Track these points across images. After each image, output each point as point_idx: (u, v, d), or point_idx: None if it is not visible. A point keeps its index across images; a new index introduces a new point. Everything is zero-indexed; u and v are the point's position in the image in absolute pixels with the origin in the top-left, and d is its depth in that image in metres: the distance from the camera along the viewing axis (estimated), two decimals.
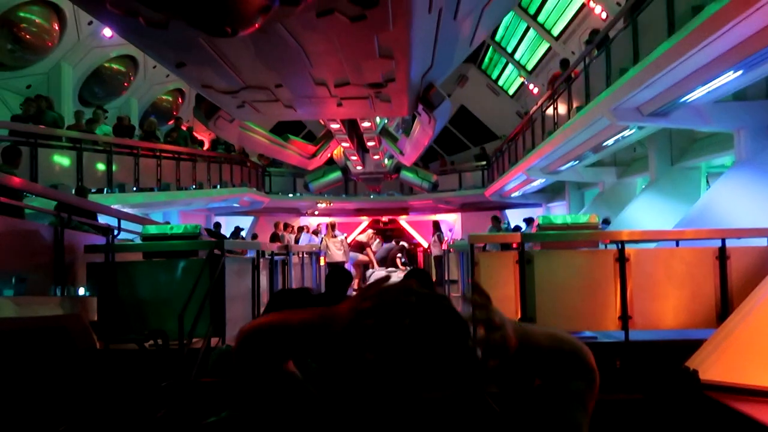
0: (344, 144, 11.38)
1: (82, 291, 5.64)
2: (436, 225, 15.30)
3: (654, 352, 5.31)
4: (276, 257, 7.90)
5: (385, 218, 24.65)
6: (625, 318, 5.33)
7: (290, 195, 20.09)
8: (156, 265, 5.80)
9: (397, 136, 10.89)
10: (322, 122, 10.01)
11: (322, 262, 11.46)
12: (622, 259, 5.35)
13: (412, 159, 10.66)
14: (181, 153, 11.99)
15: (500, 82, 19.78)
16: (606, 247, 5.60)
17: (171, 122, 13.66)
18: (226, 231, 20.09)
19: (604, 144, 9.99)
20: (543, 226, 5.67)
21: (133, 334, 5.41)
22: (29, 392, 4.82)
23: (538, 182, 15.39)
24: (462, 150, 22.05)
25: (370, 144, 11.44)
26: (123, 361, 5.34)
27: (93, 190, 8.66)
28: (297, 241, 12.38)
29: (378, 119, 9.58)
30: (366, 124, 9.49)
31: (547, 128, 11.93)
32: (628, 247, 5.39)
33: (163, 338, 5.30)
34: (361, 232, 19.65)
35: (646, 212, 10.39)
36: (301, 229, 13.44)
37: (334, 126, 9.45)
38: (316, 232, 12.75)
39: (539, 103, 12.47)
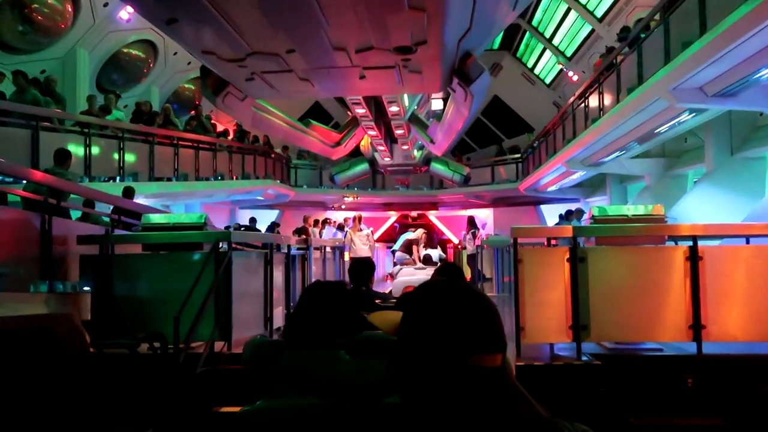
0: (371, 132, 10.67)
1: (74, 287, 5.04)
2: (471, 221, 14.48)
3: (732, 368, 4.47)
4: (295, 252, 7.24)
5: (413, 213, 23.92)
6: (697, 327, 4.49)
7: (316, 188, 19.48)
8: (157, 259, 5.17)
9: (427, 123, 10.14)
10: (348, 106, 9.30)
11: (346, 258, 10.79)
12: (694, 257, 4.51)
13: (443, 147, 9.88)
14: (200, 142, 11.44)
15: (536, 71, 18.79)
16: (676, 243, 4.75)
17: (193, 112, 13.11)
18: (261, 226, 19.65)
19: (657, 131, 9.05)
20: (599, 218, 4.85)
21: (131, 335, 4.80)
22: (8, 402, 4.24)
23: (577, 175, 14.45)
24: (496, 142, 21.12)
25: (398, 132, 10.70)
26: (117, 367, 4.73)
27: (104, 179, 8.14)
28: (320, 235, 11.73)
29: (407, 102, 8.83)
30: (394, 108, 8.75)
31: (591, 116, 11.02)
32: (701, 244, 4.55)
33: (161, 342, 4.66)
34: (390, 227, 19.01)
35: (703, 207, 9.41)
36: (325, 222, 12.78)
37: (360, 111, 8.74)
38: (341, 227, 12.09)
39: (584, 85, 11.55)
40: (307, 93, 5.23)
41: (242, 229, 11.30)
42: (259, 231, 12.35)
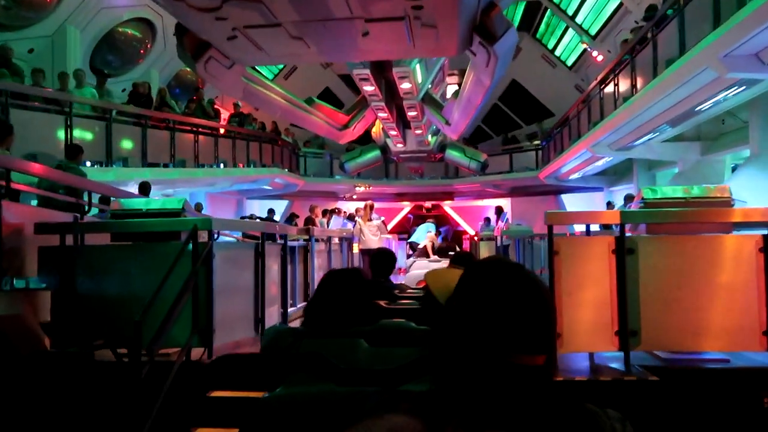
0: (381, 114, 9.87)
1: (27, 284, 4.34)
2: (500, 211, 13.67)
3: None
4: (295, 243, 6.49)
5: (428, 204, 23.10)
6: None
7: (327, 178, 18.73)
8: (127, 251, 4.43)
9: (442, 102, 9.31)
10: (357, 87, 8.50)
11: (355, 249, 10.03)
12: None
13: (459, 128, 9.05)
14: (199, 126, 10.73)
15: (557, 52, 17.80)
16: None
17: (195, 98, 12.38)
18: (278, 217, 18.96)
19: (698, 108, 8.15)
20: (650, 201, 4.03)
21: (94, 339, 4.10)
22: None
23: (603, 161, 13.55)
24: (514, 128, 20.20)
25: (411, 114, 9.89)
26: (74, 377, 4.01)
27: (85, 163, 7.44)
28: (327, 225, 10.97)
29: (419, 78, 8.01)
30: (406, 85, 7.95)
31: (621, 95, 10.12)
32: None
33: (129, 347, 3.93)
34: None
35: (747, 193, 8.49)
36: (333, 211, 12.02)
37: (368, 88, 7.95)
38: (351, 217, 11.30)
39: (614, 61, 10.62)
40: (302, 57, 4.47)
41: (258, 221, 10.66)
42: (276, 223, 11.67)
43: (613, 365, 3.85)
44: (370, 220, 9.29)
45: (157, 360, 3.70)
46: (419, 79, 8.33)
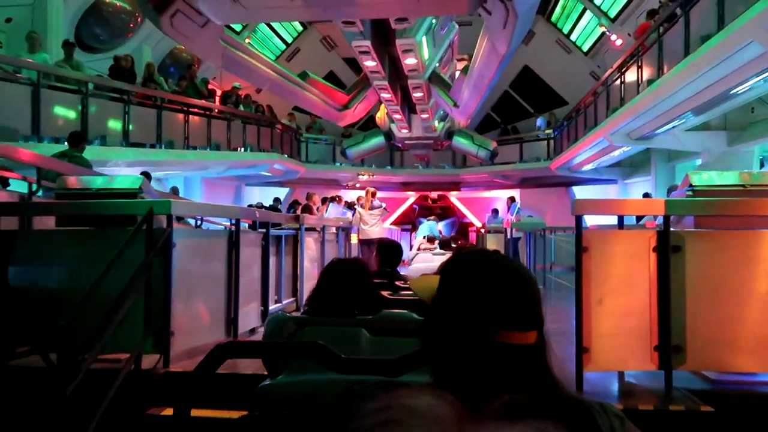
0: (385, 95, 9.15)
1: None
2: (512, 200, 12.94)
3: None
4: (281, 233, 5.82)
5: (433, 194, 22.37)
6: None
7: (329, 165, 18.02)
8: (71, 238, 3.76)
9: (450, 82, 8.59)
10: (356, 58, 7.77)
11: (353, 240, 9.35)
12: None
13: (469, 110, 8.31)
14: (190, 106, 10.03)
15: (573, 37, 16.95)
16: None
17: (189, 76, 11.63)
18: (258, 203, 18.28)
19: (734, 92, 7.38)
20: (700, 188, 3.31)
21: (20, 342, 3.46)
22: None
23: (619, 152, 12.77)
24: (525, 117, 19.40)
25: (416, 95, 9.16)
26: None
27: (49, 140, 6.76)
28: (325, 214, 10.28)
29: (426, 53, 7.28)
30: (411, 60, 7.22)
31: (645, 78, 9.35)
32: None
33: (62, 352, 3.27)
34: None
35: None
36: (333, 199, 11.33)
37: (370, 64, 7.23)
38: (351, 206, 10.62)
39: (637, 42, 9.84)
40: (287, 13, 3.78)
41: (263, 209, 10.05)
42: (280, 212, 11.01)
43: (652, 387, 3.16)
44: (371, 208, 8.59)
45: (96, 369, 3.03)
46: (425, 54, 7.59)
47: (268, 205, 12.94)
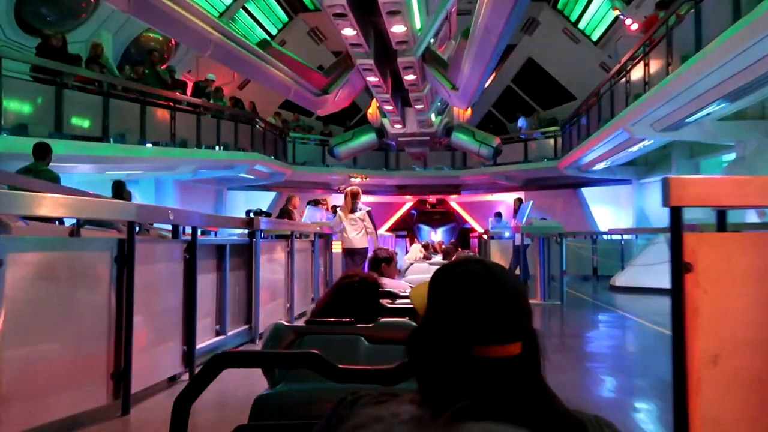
0: (371, 79, 7.82)
1: None
2: (520, 202, 11.55)
3: None
4: (223, 240, 4.45)
5: (432, 198, 21.00)
6: None
7: (318, 167, 16.64)
8: None
9: (446, 59, 7.24)
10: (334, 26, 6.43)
11: (336, 249, 7.97)
12: None
13: (469, 91, 6.93)
14: (146, 94, 8.66)
15: (581, 25, 15.60)
16: None
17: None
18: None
19: None
20: None
21: None
22: None
23: (638, 147, 11.37)
24: (529, 114, 18.03)
25: (408, 78, 7.81)
26: None
27: None
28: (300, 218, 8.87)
29: (417, 22, 5.93)
30: (399, 28, 5.86)
31: (674, 57, 8.00)
32: None
33: None
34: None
35: None
36: (317, 202, 9.94)
37: (348, 32, 5.88)
38: (334, 209, 9.26)
39: (665, 18, 8.49)
40: None
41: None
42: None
43: None
44: (352, 211, 7.21)
45: None
46: (417, 22, 6.24)
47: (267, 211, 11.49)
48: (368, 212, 7.29)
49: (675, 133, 9.67)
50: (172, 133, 9.51)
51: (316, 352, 1.10)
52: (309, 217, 7.91)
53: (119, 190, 7.65)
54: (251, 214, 6.55)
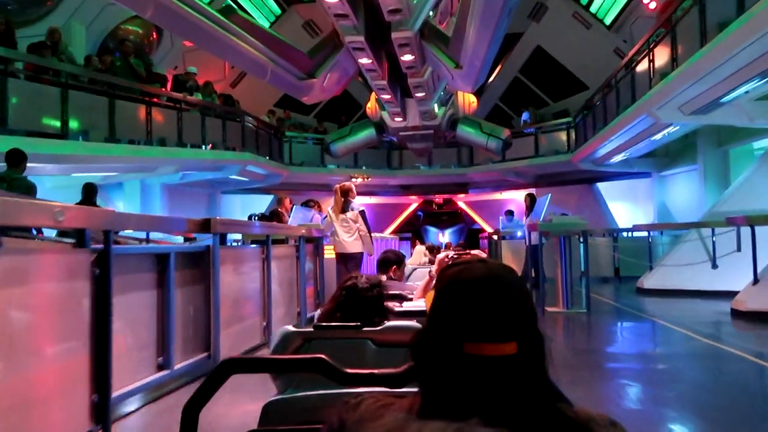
0: (363, 60, 6.93)
1: None
2: (532, 199, 10.55)
3: None
4: (166, 248, 3.54)
5: (438, 198, 20.03)
6: None
7: (316, 167, 15.72)
8: None
9: (447, 33, 6.30)
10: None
11: (329, 254, 7.05)
12: None
13: (476, 66, 5.96)
14: (116, 87, 7.77)
15: (593, 9, 14.59)
16: None
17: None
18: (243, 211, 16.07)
19: None
20: None
21: None
22: None
23: (662, 134, 10.36)
24: (539, 107, 17.06)
25: (405, 58, 6.89)
26: None
27: None
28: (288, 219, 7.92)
29: None
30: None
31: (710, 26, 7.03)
32: None
33: None
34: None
35: None
36: (307, 203, 9.01)
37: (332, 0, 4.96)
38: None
39: None
40: None
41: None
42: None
43: None
44: (343, 211, 6.28)
45: None
46: None
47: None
48: (361, 212, 6.35)
49: (706, 117, 8.68)
50: (149, 130, 8.62)
51: (322, 356, 1.11)
52: (297, 218, 7.00)
53: (89, 193, 6.79)
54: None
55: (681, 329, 6.07)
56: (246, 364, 1.19)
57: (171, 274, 3.36)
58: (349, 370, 1.09)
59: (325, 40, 6.78)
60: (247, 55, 4.90)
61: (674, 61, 7.97)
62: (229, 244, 5.81)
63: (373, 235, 11.71)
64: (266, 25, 15.32)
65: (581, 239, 6.96)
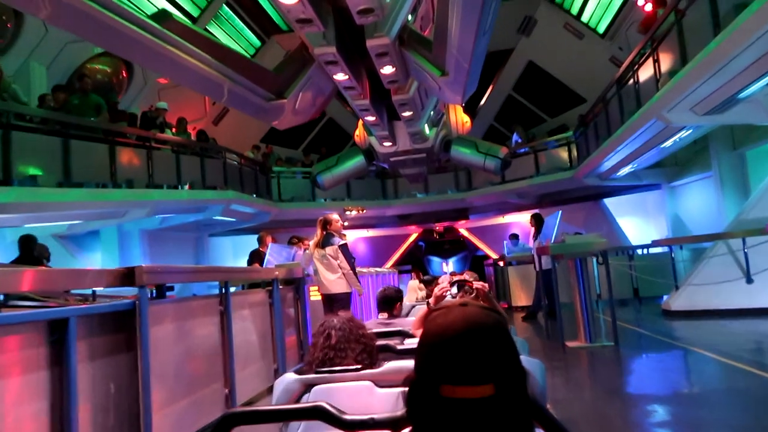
0: (339, 77, 6.17)
1: None
2: (538, 219, 9.71)
3: None
4: (72, 309, 2.68)
5: (438, 227, 19.20)
6: None
7: (307, 202, 14.95)
8: None
9: (430, 38, 5.57)
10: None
11: (314, 295, 6.19)
12: None
13: (462, 75, 5.17)
14: (70, 126, 7.04)
15: (584, 18, 14.00)
16: None
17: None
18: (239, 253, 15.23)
19: None
20: None
21: None
22: None
23: (671, 141, 9.60)
24: (536, 124, 16.38)
25: (386, 71, 6.14)
26: None
27: None
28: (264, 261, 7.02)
29: None
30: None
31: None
32: None
33: None
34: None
35: None
36: (289, 241, 8.16)
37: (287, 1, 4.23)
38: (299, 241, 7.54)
39: None
40: None
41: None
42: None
43: None
44: (323, 246, 5.44)
45: None
46: None
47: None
48: (341, 246, 5.50)
49: (721, 116, 7.91)
50: (112, 171, 7.85)
51: (322, 404, 1.10)
52: (273, 257, 6.15)
53: (27, 246, 5.97)
54: None
55: (726, 360, 5.15)
56: (247, 416, 1.16)
57: (71, 345, 2.51)
58: (349, 416, 1.08)
59: (294, 54, 6.03)
60: (190, 69, 4.16)
61: (683, 56, 7.22)
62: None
63: (368, 270, 10.88)
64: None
65: (600, 260, 6.11)
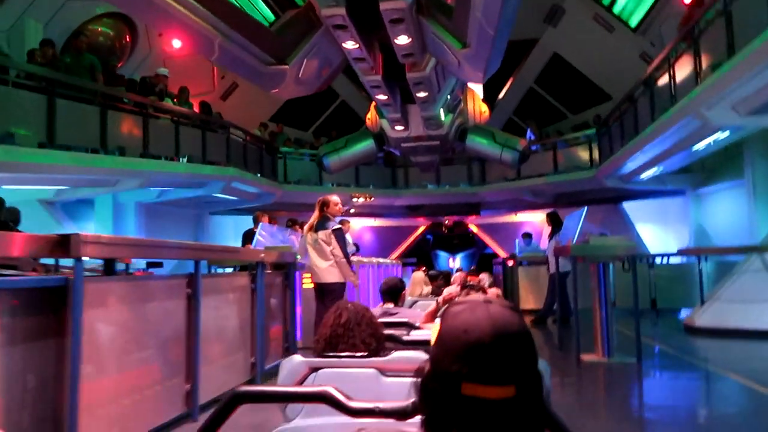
0: (348, 45, 5.63)
1: None
2: (555, 218, 9.07)
3: None
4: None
5: (448, 221, 18.62)
6: None
7: (313, 185, 14.40)
8: None
9: (451, 4, 4.97)
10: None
11: (306, 284, 5.65)
12: None
13: (486, 47, 4.57)
14: (56, 84, 6.52)
15: (616, 10, 13.25)
16: None
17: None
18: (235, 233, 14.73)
19: None
20: None
21: None
22: None
23: (705, 143, 8.90)
24: (557, 120, 15.70)
25: (400, 41, 5.57)
26: None
27: None
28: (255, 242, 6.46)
29: None
30: None
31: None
32: None
33: None
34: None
35: None
36: (290, 223, 7.60)
37: None
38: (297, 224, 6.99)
39: None
40: None
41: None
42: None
43: None
44: (316, 229, 4.88)
45: None
46: None
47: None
48: (335, 230, 4.93)
49: (766, 117, 7.24)
50: (103, 137, 7.34)
51: (329, 388, 1.12)
52: (261, 239, 5.59)
53: (14, 217, 5.47)
54: None
55: (763, 389, 4.53)
56: (255, 394, 1.17)
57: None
58: (355, 403, 1.09)
59: (298, 15, 5.44)
60: (177, 17, 3.60)
61: (730, 47, 6.55)
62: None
63: (369, 260, 10.30)
64: None
65: (626, 266, 5.51)
